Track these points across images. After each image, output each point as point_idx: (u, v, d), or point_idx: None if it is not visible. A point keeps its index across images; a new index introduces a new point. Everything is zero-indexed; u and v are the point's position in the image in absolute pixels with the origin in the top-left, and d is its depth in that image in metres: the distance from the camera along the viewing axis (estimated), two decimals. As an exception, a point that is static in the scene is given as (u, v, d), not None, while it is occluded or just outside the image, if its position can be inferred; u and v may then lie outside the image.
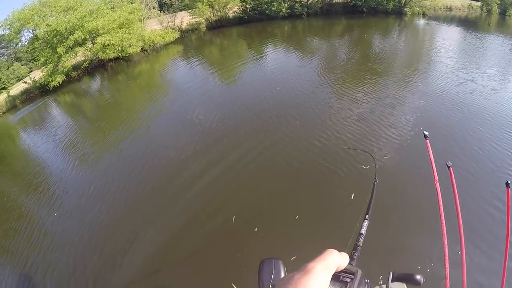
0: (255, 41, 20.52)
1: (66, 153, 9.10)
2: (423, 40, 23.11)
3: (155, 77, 15.53)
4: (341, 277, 0.56)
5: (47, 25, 18.15)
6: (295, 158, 6.60)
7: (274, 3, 28.28)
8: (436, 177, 1.90)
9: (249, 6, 28.37)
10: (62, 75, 17.73)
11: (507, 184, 2.19)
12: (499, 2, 51.31)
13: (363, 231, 1.21)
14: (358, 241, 1.12)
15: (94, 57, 19.23)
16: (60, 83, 17.42)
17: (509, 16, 51.26)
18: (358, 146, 6.60)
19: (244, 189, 5.87)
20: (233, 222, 5.07)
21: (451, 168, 2.09)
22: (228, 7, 27.96)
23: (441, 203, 1.84)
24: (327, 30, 25.07)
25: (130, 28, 19.80)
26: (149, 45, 21.16)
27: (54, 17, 18.60)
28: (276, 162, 6.52)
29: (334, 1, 31.94)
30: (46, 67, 18.16)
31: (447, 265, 1.85)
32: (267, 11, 28.09)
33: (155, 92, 12.50)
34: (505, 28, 37.58)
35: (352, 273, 0.57)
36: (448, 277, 1.78)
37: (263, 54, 16.69)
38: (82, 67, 19.34)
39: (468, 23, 36.17)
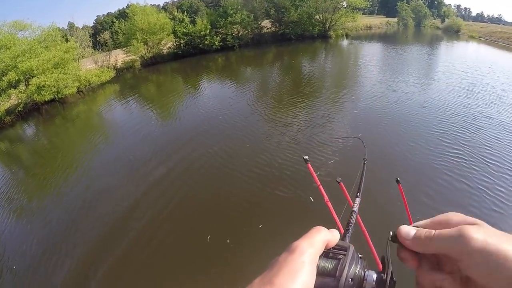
0: (191, 76, 21.20)
1: (3, 206, 8.36)
2: (348, 58, 25.60)
3: (93, 119, 15.41)
4: (332, 253, 0.55)
5: (-23, 65, 16.87)
6: (233, 189, 7.08)
7: (207, 37, 29.69)
8: (326, 197, 2.10)
9: (182, 42, 29.43)
10: (-5, 120, 16.33)
11: (397, 181, 2.42)
12: (413, 16, 57.80)
13: (355, 208, 1.22)
14: (351, 218, 1.10)
15: (29, 100, 18.16)
16: (-7, 129, 15.93)
17: (424, 26, 57.94)
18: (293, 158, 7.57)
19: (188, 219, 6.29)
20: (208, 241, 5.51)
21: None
22: (162, 43, 28.74)
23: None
24: (259, 59, 26.67)
25: (65, 68, 19.27)
26: (85, 85, 20.72)
27: (-15, 56, 17.35)
28: (206, 195, 7.01)
29: (263, 31, 34.00)
30: (-23, 112, 16.60)
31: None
32: (200, 45, 29.36)
33: (94, 134, 12.37)
34: (421, 37, 42.46)
35: (345, 249, 0.56)
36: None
37: (199, 88, 17.38)
38: (16, 111, 17.88)
39: (388, 38, 40.16)
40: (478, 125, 9.49)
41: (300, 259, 0.46)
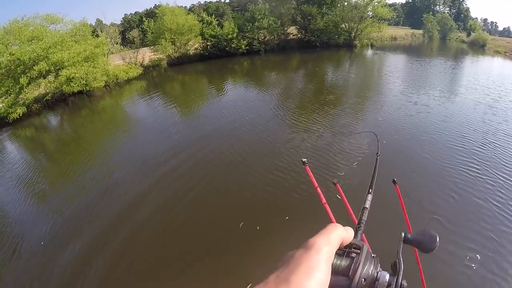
0: (216, 77, 21.41)
1: (26, 189, 8.54)
2: (372, 68, 25.39)
3: (119, 113, 15.69)
4: (347, 252, 0.55)
5: (10, 53, 17.39)
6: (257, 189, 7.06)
7: (234, 41, 29.93)
8: (324, 200, 2.05)
9: (209, 44, 29.78)
10: (23, 107, 16.76)
11: (394, 182, 2.40)
12: (439, 29, 57.05)
13: (367, 205, 1.19)
14: (363, 215, 1.08)
15: (57, 90, 18.71)
16: (21, 115, 16.33)
17: (449, 39, 56.95)
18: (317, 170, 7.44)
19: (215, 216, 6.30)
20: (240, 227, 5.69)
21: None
22: (189, 44, 29.17)
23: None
24: (284, 65, 26.70)
25: (95, 62, 19.67)
26: (113, 80, 21.11)
27: (18, 46, 17.91)
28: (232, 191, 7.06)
29: (289, 38, 34.08)
30: (7, 98, 17.12)
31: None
32: (227, 48, 29.64)
33: (118, 127, 12.65)
34: (446, 51, 41.79)
35: (358, 248, 0.55)
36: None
37: (223, 90, 17.55)
38: (44, 100, 18.54)
39: (413, 50, 39.71)
40: (497, 143, 9.23)
41: (317, 256, 0.45)
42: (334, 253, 0.50)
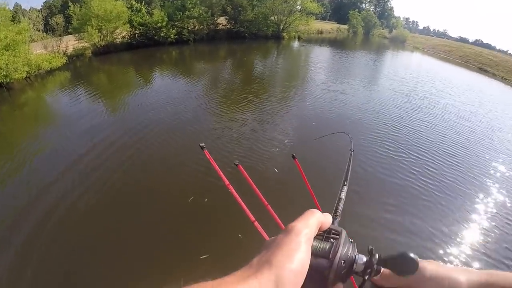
0: (143, 68, 21.53)
1: None
2: (298, 60, 27.31)
3: (43, 107, 15.19)
4: (326, 236, 0.57)
5: None
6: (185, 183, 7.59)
7: (163, 29, 29.95)
8: (227, 181, 2.07)
9: (138, 32, 29.45)
10: None
11: (293, 157, 2.40)
12: (363, 25, 61.31)
13: (343, 196, 1.21)
14: (338, 205, 1.09)
15: None
16: None
17: (372, 35, 61.85)
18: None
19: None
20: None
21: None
22: (116, 32, 28.46)
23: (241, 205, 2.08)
24: (212, 55, 27.61)
25: (15, 50, 18.14)
26: (34, 71, 19.90)
27: None
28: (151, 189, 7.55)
29: (219, 28, 34.78)
30: None
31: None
32: (156, 37, 29.59)
33: (43, 122, 12.49)
34: (369, 45, 45.63)
35: (337, 233, 0.58)
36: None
37: (150, 81, 17.89)
38: None
39: (337, 44, 42.49)
40: (410, 127, 11.86)
41: (296, 239, 0.49)
42: (313, 236, 0.53)
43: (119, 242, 5.78)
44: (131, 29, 29.26)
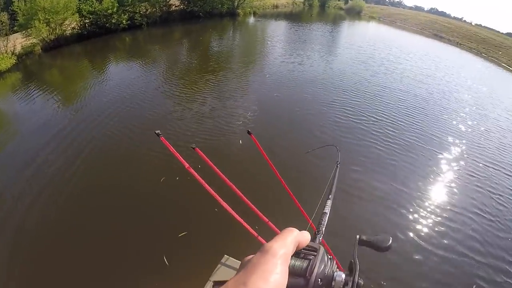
0: (97, 58, 21.28)
1: None
2: (255, 35, 27.55)
3: None
4: (303, 254, 0.57)
5: None
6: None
7: (114, 16, 28.96)
8: (187, 165, 2.16)
9: (88, 21, 28.43)
10: None
11: (248, 132, 2.50)
12: None
13: (327, 210, 1.17)
14: (322, 220, 1.06)
15: None
16: None
17: (328, 7, 62.30)
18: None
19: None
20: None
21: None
22: (65, 24, 27.32)
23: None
24: (167, 38, 27.37)
25: None
26: None
27: None
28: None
29: (172, 10, 34.14)
30: None
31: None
32: (107, 25, 28.64)
33: None
34: (325, 17, 46.17)
35: (315, 250, 0.58)
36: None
37: (106, 71, 17.81)
38: None
39: (293, 17, 42.74)
40: (367, 91, 12.79)
41: (273, 260, 0.48)
42: (290, 255, 0.53)
43: (96, 233, 6.17)
44: (80, 19, 28.13)
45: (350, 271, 0.62)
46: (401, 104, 12.29)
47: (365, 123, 10.32)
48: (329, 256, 0.60)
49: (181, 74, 15.78)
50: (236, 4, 37.34)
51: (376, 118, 10.69)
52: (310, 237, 0.60)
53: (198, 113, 10.89)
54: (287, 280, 0.48)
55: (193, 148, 2.24)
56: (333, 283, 0.57)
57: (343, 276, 0.58)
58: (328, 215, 1.18)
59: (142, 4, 31.31)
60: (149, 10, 32.08)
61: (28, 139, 10.32)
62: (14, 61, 21.88)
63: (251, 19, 36.91)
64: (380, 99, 12.53)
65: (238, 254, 4.08)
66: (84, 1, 28.70)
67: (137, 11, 30.75)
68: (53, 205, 7.05)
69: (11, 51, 23.00)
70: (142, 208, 6.70)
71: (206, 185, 2.20)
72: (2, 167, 8.88)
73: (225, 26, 32.23)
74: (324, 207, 1.26)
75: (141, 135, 9.72)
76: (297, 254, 0.57)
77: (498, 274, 5.56)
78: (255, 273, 0.47)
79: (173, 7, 35.01)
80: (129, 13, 30.14)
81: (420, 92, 13.85)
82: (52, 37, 25.81)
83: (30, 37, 25.07)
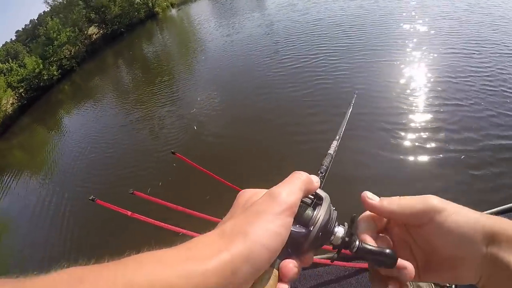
0: (47, 120, 20.75)
1: None
2: (182, 25, 27.05)
3: None
4: (309, 201, 0.53)
5: None
6: None
7: (43, 72, 28.38)
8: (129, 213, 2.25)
9: (22, 90, 27.78)
10: None
11: (172, 153, 2.65)
12: None
13: (331, 151, 0.97)
14: (325, 161, 0.87)
15: None
16: None
17: None
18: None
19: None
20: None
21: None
22: (3, 103, 26.29)
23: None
24: (102, 67, 26.87)
25: None
26: None
27: None
28: None
29: (93, 39, 33.40)
30: None
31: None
32: (41, 84, 28.12)
33: None
34: None
35: (320, 199, 0.53)
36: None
37: (63, 127, 17.47)
38: None
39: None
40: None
41: (279, 210, 0.43)
42: (298, 205, 0.47)
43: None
44: (14, 91, 27.50)
45: (351, 223, 0.56)
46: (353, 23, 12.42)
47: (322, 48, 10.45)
48: (333, 207, 0.55)
49: (131, 94, 15.46)
50: (151, 4, 36.38)
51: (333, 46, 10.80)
52: (319, 184, 0.54)
53: (158, 129, 10.70)
54: (289, 234, 0.44)
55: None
56: (332, 237, 0.53)
57: (342, 232, 0.53)
58: (332, 157, 0.96)
59: (64, 47, 30.68)
60: (73, 51, 31.44)
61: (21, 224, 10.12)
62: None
63: (172, 12, 36.17)
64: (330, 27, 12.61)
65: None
66: (9, 73, 28.01)
67: (63, 57, 30.19)
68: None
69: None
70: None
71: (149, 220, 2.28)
72: None
73: (149, 29, 31.58)
74: (330, 147, 1.04)
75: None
76: (303, 200, 0.52)
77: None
78: (258, 223, 0.42)
79: (94, 36, 34.27)
80: (55, 62, 29.55)
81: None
82: None
83: None
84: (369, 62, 9.14)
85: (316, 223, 0.49)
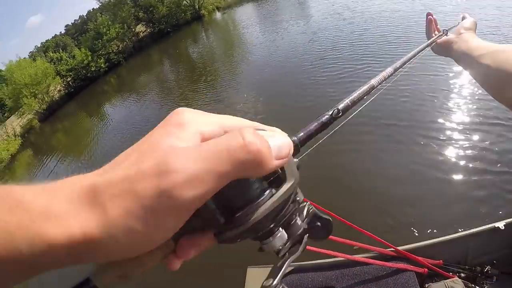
0: (92, 108, 21.41)
1: None
2: (227, 28, 27.40)
3: None
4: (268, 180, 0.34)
5: None
6: None
7: (91, 64, 29.56)
8: None
9: (70, 79, 29.08)
10: None
11: None
12: None
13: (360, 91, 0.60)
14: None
15: None
16: None
17: None
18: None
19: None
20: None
21: None
22: (51, 90, 27.97)
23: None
24: (148, 63, 27.18)
25: None
26: None
27: None
28: None
29: (141, 37, 34.41)
30: None
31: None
32: (88, 74, 29.28)
33: None
34: None
35: (280, 181, 0.33)
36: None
37: (105, 117, 17.93)
38: None
39: (256, -3, 42.21)
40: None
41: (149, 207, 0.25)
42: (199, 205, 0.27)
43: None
44: (62, 79, 28.81)
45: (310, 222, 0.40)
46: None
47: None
48: (299, 198, 0.39)
49: (174, 91, 15.70)
50: (197, 6, 37.12)
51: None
52: (289, 154, 0.32)
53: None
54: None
55: None
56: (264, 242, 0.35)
57: (281, 242, 0.35)
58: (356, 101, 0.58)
59: (112, 42, 31.72)
60: (120, 46, 32.50)
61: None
62: (20, 141, 22.40)
63: (217, 15, 36.58)
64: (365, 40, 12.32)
65: (264, 260, 2.55)
66: (59, 62, 29.27)
67: (111, 51, 31.24)
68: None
69: (12, 134, 23.50)
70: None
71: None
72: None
73: (195, 31, 31.96)
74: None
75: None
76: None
77: None
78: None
79: (141, 33, 35.31)
80: (103, 56, 30.64)
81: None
82: (44, 106, 26.45)
83: (24, 115, 25.67)
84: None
85: (248, 217, 0.31)
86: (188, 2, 36.51)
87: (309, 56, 12.38)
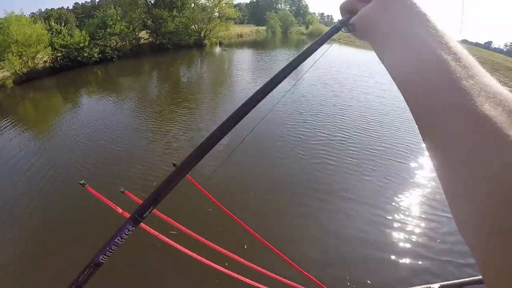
0: (70, 92, 21.45)
1: None
2: (222, 65, 29.21)
3: None
4: None
5: None
6: None
7: (86, 49, 30.05)
8: (120, 210, 2.03)
9: (60, 55, 29.24)
10: None
11: (174, 164, 1.90)
12: (281, 24, 65.41)
13: None
14: None
15: None
16: None
17: (290, 33, 66.62)
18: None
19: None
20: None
21: None
22: (37, 57, 27.86)
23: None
24: (138, 70, 28.39)
25: None
26: None
27: None
28: None
29: (141, 42, 35.70)
30: None
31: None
32: (79, 58, 29.62)
33: None
34: (288, 43, 49.34)
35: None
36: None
37: (79, 105, 17.85)
38: None
39: (258, 44, 45.17)
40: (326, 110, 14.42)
41: None
42: None
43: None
44: (53, 52, 28.76)
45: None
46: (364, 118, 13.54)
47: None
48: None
49: (153, 106, 16.31)
50: (202, 35, 39.41)
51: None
52: None
53: (166, 144, 11.36)
54: None
55: (122, 192, 2.16)
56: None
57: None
58: None
59: (113, 38, 32.78)
60: (119, 44, 33.54)
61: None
62: (-16, 97, 21.73)
63: (218, 49, 38.92)
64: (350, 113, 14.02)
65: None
66: (56, 35, 29.54)
67: (108, 45, 32.11)
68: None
69: (-19, 85, 23.06)
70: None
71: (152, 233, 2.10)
72: None
73: (193, 57, 33.76)
74: None
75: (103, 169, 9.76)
76: None
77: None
78: None
79: (142, 40, 36.78)
80: (100, 46, 31.31)
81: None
82: (25, 70, 26.09)
83: (1, 70, 25.39)
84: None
85: None
86: (196, 28, 38.60)
87: (288, 116, 13.60)
